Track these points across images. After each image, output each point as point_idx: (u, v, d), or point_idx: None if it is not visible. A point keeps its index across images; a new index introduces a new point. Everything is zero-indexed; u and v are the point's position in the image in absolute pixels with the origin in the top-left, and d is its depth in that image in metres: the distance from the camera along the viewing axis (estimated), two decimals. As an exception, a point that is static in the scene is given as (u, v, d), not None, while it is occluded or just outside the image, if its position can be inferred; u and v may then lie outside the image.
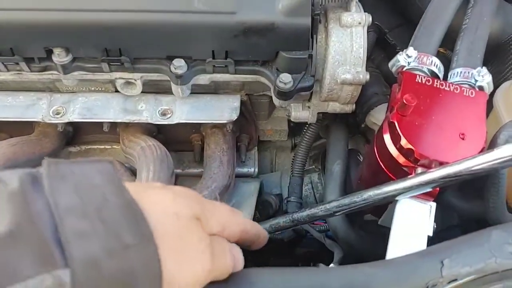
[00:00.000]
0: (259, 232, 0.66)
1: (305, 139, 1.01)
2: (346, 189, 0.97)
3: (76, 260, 0.38)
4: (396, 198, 0.71)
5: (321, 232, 0.99)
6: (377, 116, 1.00)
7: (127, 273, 0.40)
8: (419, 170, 0.70)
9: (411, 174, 0.72)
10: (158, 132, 1.01)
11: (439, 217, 1.07)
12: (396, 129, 0.71)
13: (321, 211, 0.78)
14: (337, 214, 0.78)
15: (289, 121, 1.10)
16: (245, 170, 1.09)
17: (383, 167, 0.76)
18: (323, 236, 0.91)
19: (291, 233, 1.01)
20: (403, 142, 0.70)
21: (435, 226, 0.71)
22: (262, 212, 1.05)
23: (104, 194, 0.42)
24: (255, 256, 1.13)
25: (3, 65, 0.83)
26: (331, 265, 0.82)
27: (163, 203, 0.48)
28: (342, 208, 0.76)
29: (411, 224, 0.69)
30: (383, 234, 0.83)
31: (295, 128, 1.15)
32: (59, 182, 0.41)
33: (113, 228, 0.40)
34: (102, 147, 1.07)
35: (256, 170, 1.09)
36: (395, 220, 0.70)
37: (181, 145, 1.08)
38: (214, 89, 0.94)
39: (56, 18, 0.77)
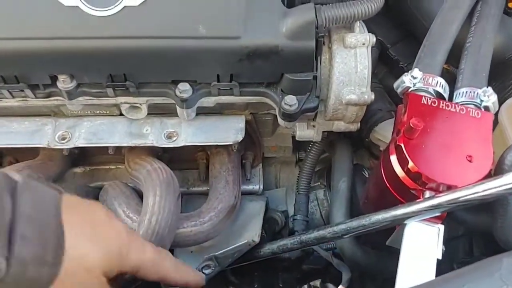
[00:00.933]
0: (188, 279, 0.75)
1: (310, 156, 1.02)
2: (352, 205, 0.97)
3: (14, 255, 0.51)
4: (405, 222, 0.71)
5: (328, 250, 0.99)
6: (382, 132, 1.00)
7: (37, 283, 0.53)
8: (427, 193, 0.70)
9: (419, 196, 0.72)
10: (163, 152, 1.01)
11: (446, 227, 1.08)
12: (403, 152, 0.71)
13: (329, 233, 0.78)
14: (345, 236, 0.79)
15: (293, 136, 1.10)
16: (250, 187, 1.09)
17: (390, 188, 0.76)
18: (331, 255, 0.91)
19: (298, 251, 1.01)
20: (411, 165, 0.70)
21: (444, 249, 0.71)
22: (268, 230, 1.05)
23: (48, 215, 0.56)
24: (264, 272, 1.14)
25: (8, 92, 0.83)
26: (340, 286, 0.82)
27: (82, 251, 0.59)
28: (350, 231, 0.76)
29: (420, 248, 0.69)
30: (389, 250, 0.84)
31: (299, 143, 1.15)
32: (26, 193, 0.55)
33: (44, 243, 0.54)
34: (107, 167, 1.07)
35: (261, 187, 1.09)
36: (404, 244, 0.70)
37: (186, 164, 1.08)
38: (219, 109, 0.94)
39: (60, 46, 0.77)
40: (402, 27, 1.08)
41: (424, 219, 0.70)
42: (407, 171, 0.71)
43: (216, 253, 0.91)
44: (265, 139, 1.09)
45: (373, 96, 0.83)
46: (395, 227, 0.78)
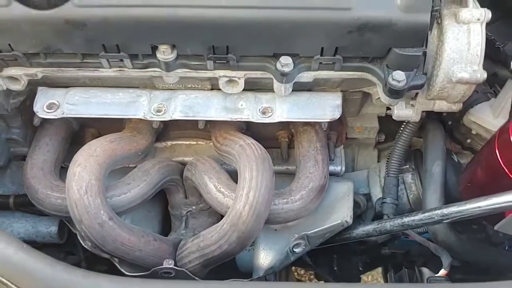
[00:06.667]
0: None
1: (403, 137, 0.98)
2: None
3: None
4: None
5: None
6: (478, 115, 0.96)
7: None
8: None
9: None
10: (246, 129, 1.00)
11: None
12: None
13: (437, 216, 0.75)
14: (454, 219, 0.75)
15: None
16: (331, 168, 1.06)
17: (507, 171, 0.72)
18: (426, 240, 0.88)
19: (386, 235, 0.98)
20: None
21: None
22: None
23: None
24: (342, 255, 1.12)
25: (107, 61, 0.83)
26: (442, 270, 0.79)
27: None
28: (462, 213, 0.73)
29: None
30: (482, 239, 0.80)
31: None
32: None
33: None
34: (188, 143, 1.07)
35: (343, 168, 1.07)
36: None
37: (266, 142, 1.05)
38: (310, 86, 0.91)
39: (165, 14, 0.76)
40: (500, 5, 1.03)
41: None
42: (534, 152, 0.67)
43: (308, 232, 0.89)
44: (349, 119, 1.06)
45: (485, 75, 0.79)
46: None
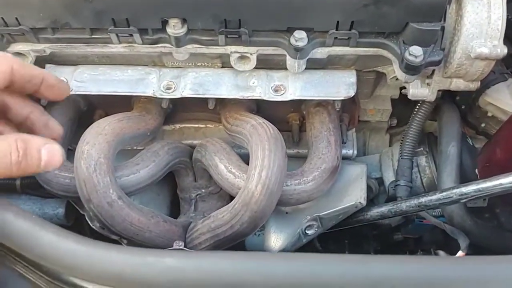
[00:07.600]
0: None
1: (418, 118, 0.95)
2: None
3: None
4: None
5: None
6: (495, 95, 0.94)
7: None
8: None
9: None
10: (256, 109, 0.97)
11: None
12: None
13: (455, 195, 0.73)
14: (473, 198, 0.73)
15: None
16: (343, 152, 1.04)
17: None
18: (442, 223, 0.86)
19: (400, 218, 0.96)
20: None
21: None
22: (362, 196, 1.00)
23: None
24: (354, 240, 1.10)
25: (116, 36, 0.81)
26: (459, 252, 0.77)
27: None
28: (482, 192, 0.71)
29: None
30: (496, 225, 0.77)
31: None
32: None
33: None
34: (197, 126, 1.05)
35: (355, 152, 1.04)
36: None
37: (276, 125, 1.03)
38: (324, 64, 0.89)
39: (176, -14, 0.74)
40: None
41: None
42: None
43: (321, 214, 0.87)
44: (361, 101, 1.03)
45: (505, 50, 0.77)
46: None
